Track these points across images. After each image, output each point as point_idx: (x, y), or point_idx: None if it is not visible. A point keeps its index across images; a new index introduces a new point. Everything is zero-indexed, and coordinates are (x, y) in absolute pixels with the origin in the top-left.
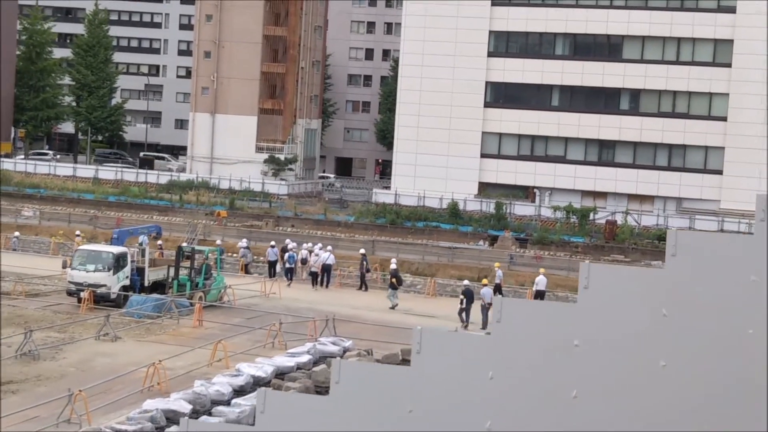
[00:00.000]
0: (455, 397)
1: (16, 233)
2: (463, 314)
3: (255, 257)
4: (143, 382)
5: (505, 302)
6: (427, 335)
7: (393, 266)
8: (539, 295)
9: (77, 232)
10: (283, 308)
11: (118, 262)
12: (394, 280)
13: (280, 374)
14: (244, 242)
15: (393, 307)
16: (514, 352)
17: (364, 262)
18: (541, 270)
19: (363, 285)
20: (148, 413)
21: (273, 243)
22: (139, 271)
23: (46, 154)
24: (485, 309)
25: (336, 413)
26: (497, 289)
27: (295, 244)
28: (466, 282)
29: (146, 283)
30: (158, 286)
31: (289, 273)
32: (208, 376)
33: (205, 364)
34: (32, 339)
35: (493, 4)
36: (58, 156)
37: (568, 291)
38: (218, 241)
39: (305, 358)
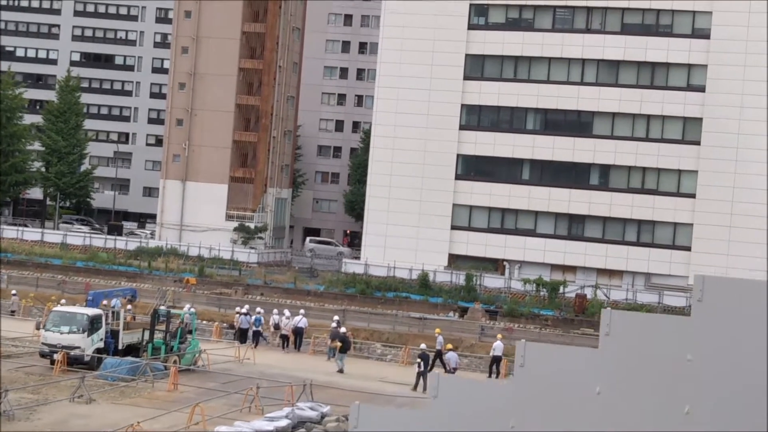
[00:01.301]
0: None
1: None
2: (421, 378)
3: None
4: None
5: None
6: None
7: (342, 329)
8: (495, 360)
9: (62, 301)
10: (258, 373)
11: (93, 324)
12: (340, 344)
13: None
14: (245, 309)
15: (339, 371)
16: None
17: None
18: (499, 336)
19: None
20: None
21: (245, 309)
22: (114, 334)
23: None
24: (450, 373)
25: None
26: (438, 355)
27: (262, 311)
28: (423, 346)
29: (120, 346)
30: (132, 349)
31: (256, 336)
32: None
33: (183, 427)
34: (7, 399)
35: (465, 78)
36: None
37: None
38: (188, 307)
39: (284, 423)
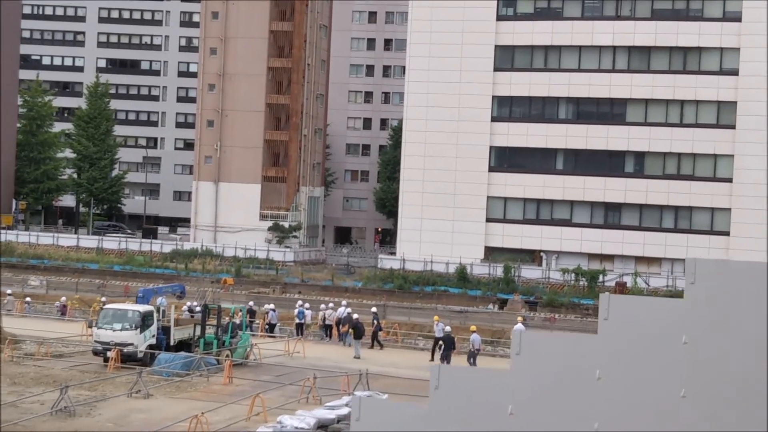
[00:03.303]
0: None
1: (28, 298)
2: (444, 361)
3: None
4: None
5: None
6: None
7: (355, 315)
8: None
9: (103, 298)
10: (310, 366)
11: (145, 320)
12: (353, 330)
13: (322, 426)
14: (271, 305)
15: (356, 357)
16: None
17: (376, 321)
18: (519, 318)
19: (376, 343)
20: None
21: (272, 306)
22: (165, 330)
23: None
24: (473, 354)
25: None
26: (437, 342)
27: (308, 304)
28: (448, 328)
29: (172, 342)
30: (184, 345)
31: (300, 329)
32: (249, 429)
33: (243, 418)
34: (68, 395)
35: (495, 70)
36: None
37: None
38: (251, 304)
39: (345, 411)
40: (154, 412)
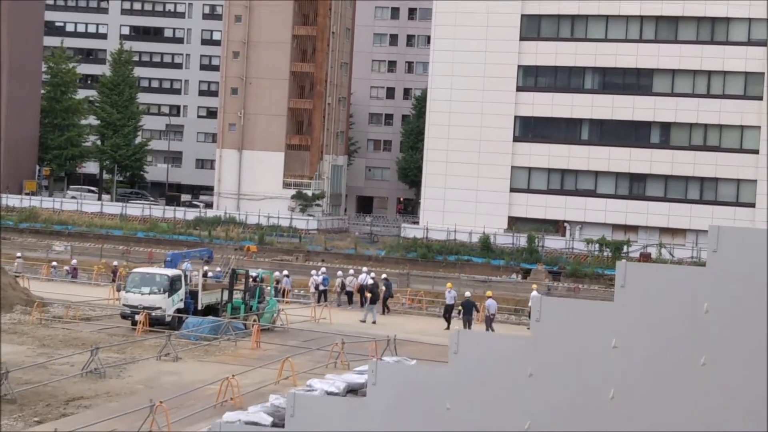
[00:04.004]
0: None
1: (73, 261)
2: (465, 325)
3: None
4: (217, 397)
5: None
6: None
7: (369, 280)
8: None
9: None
10: (336, 332)
11: (173, 284)
12: (369, 294)
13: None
14: (285, 272)
15: (372, 322)
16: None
17: (386, 287)
18: (534, 286)
19: (386, 308)
20: (230, 424)
21: (286, 272)
22: (193, 295)
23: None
24: (489, 319)
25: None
26: (450, 310)
27: (324, 269)
28: (467, 294)
29: (200, 307)
30: (211, 310)
31: (323, 294)
32: (279, 392)
33: (272, 381)
34: (98, 357)
35: (521, 39)
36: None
37: None
38: (278, 273)
39: None
40: (184, 374)
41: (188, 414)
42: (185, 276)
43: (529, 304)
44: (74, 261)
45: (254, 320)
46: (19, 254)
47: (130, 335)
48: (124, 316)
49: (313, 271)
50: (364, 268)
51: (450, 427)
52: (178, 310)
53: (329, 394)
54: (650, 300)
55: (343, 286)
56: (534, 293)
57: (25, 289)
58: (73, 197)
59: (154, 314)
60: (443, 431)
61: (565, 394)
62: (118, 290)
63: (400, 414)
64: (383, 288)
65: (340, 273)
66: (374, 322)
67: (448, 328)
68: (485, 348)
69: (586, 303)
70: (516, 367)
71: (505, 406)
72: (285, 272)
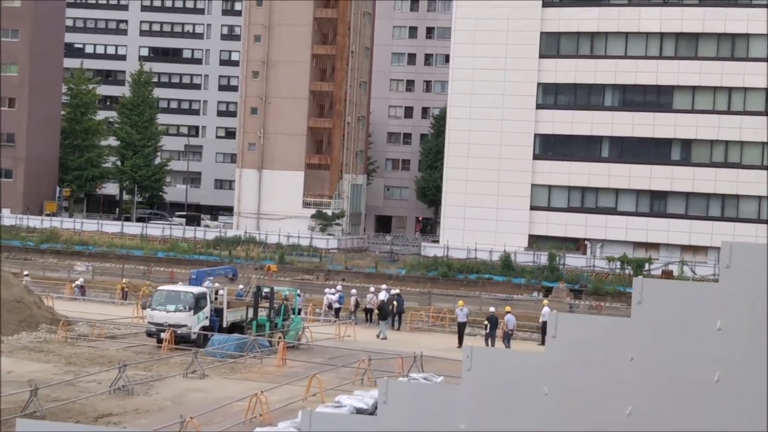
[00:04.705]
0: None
1: (80, 280)
2: (489, 339)
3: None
4: (246, 413)
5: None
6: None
7: (381, 296)
8: (546, 326)
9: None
10: (361, 349)
11: (198, 302)
12: (379, 311)
13: None
14: (339, 287)
15: (383, 338)
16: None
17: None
18: (544, 302)
19: (395, 324)
20: None
21: (298, 291)
22: (218, 312)
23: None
24: (507, 335)
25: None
26: (463, 328)
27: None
28: (492, 309)
29: (225, 324)
30: (236, 327)
31: (336, 313)
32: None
33: (300, 398)
34: (126, 374)
35: (540, 57)
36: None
37: None
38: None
39: None
40: (211, 391)
41: (218, 429)
42: (215, 291)
43: (540, 320)
44: (81, 280)
45: (279, 337)
46: (26, 272)
47: (156, 353)
48: (149, 334)
49: (327, 290)
50: (383, 286)
51: None
52: (204, 328)
53: (358, 410)
54: (666, 316)
55: (357, 304)
56: (545, 309)
57: (49, 308)
58: (140, 219)
59: (179, 332)
60: None
61: (581, 411)
62: (144, 308)
63: None
64: (395, 303)
65: (354, 291)
66: (385, 338)
67: (460, 345)
68: (499, 364)
69: (602, 319)
70: (531, 384)
71: (521, 424)
72: (296, 290)
